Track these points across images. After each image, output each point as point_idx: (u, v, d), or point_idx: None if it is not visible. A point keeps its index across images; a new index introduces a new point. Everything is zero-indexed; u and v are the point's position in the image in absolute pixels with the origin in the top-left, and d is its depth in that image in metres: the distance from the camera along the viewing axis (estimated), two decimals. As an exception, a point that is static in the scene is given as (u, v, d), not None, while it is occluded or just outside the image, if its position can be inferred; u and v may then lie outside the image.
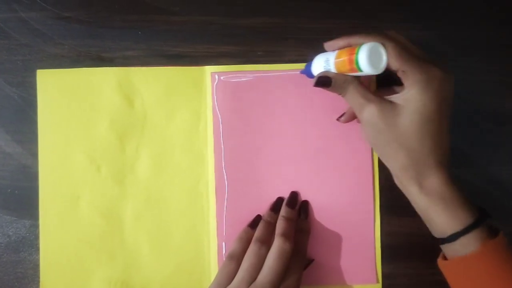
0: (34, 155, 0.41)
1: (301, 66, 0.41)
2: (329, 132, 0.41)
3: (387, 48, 0.32)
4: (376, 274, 0.41)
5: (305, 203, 0.41)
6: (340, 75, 0.34)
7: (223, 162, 0.41)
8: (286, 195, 0.41)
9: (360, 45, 0.32)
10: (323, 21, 0.42)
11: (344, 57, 0.33)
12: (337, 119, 0.40)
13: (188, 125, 0.42)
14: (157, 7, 0.42)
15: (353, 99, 0.34)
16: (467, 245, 0.32)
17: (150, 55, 0.41)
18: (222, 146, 0.41)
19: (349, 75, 0.34)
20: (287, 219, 0.39)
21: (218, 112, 0.41)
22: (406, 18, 0.42)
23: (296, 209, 0.41)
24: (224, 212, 0.41)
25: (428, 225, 0.35)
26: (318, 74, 0.36)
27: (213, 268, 0.41)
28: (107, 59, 0.41)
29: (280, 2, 0.42)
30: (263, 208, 0.41)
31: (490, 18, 0.42)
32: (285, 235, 0.37)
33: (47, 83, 0.41)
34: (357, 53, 0.32)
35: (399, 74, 0.33)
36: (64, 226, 0.41)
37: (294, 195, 0.41)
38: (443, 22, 0.42)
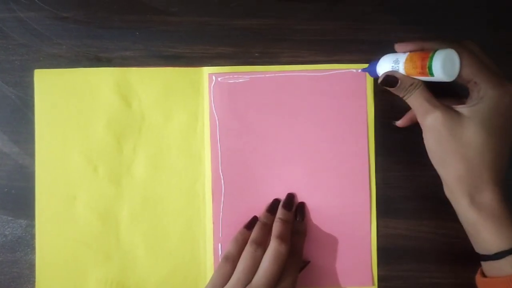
0: (31, 155, 0.42)
1: (297, 67, 0.42)
2: (325, 134, 0.41)
3: (462, 56, 0.32)
4: (372, 276, 0.41)
5: (302, 205, 0.41)
6: (408, 77, 0.34)
7: (219, 163, 0.42)
8: (282, 196, 0.41)
9: (435, 50, 0.32)
10: (319, 23, 0.42)
11: (417, 60, 0.33)
12: (394, 123, 0.41)
13: (185, 126, 0.42)
14: (155, 7, 0.42)
15: (418, 103, 0.34)
16: None
17: (147, 55, 0.42)
18: (219, 147, 0.42)
19: (416, 79, 0.34)
20: (284, 221, 0.39)
21: (215, 113, 0.42)
22: (401, 20, 0.42)
23: (293, 211, 0.41)
24: (221, 213, 0.41)
25: (472, 240, 0.35)
26: (385, 73, 0.36)
27: (209, 269, 0.41)
28: (105, 59, 0.42)
29: (276, 3, 0.42)
30: (259, 209, 0.41)
31: (480, 21, 0.42)
32: (281, 237, 0.37)
33: (45, 83, 0.42)
34: (431, 58, 0.32)
35: (470, 85, 0.33)
36: (60, 226, 0.41)
37: (290, 197, 0.41)
38: (434, 24, 0.42)
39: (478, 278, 0.35)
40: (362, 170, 0.41)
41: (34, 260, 0.41)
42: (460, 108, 0.33)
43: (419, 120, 0.35)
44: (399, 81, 0.35)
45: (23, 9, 0.42)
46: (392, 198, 0.42)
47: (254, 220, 0.40)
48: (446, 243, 0.41)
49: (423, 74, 0.33)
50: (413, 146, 0.41)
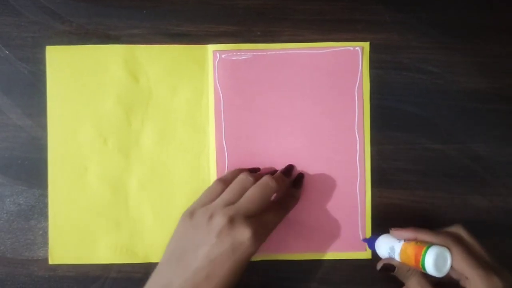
0: (44, 127, 0.44)
1: (297, 45, 0.44)
2: (322, 108, 0.44)
3: (453, 252, 0.35)
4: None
5: (300, 176, 0.44)
6: (404, 266, 0.37)
7: (223, 136, 0.44)
8: (282, 167, 0.44)
9: (427, 246, 0.35)
10: (318, 3, 0.44)
11: (411, 254, 0.36)
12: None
13: (190, 100, 0.45)
14: (161, -13, 0.44)
15: None
16: None
17: (154, 33, 0.44)
18: (223, 121, 0.44)
19: (414, 270, 0.37)
20: (281, 177, 0.40)
21: (219, 88, 0.44)
22: (394, 1, 0.44)
23: (290, 179, 0.43)
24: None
25: None
26: (383, 261, 0.39)
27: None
28: (113, 37, 0.44)
29: (278, -16, 0.44)
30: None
31: (472, 1, 0.45)
32: (273, 177, 0.39)
33: (56, 59, 0.44)
34: (423, 255, 0.35)
35: (462, 279, 0.35)
36: (71, 195, 0.44)
37: (289, 167, 0.44)
38: (427, 4, 0.45)
39: None
40: (352, 142, 0.44)
41: (47, 227, 0.44)
42: None
43: None
44: (396, 268, 0.38)
45: (34, -13, 0.44)
46: (386, 169, 0.45)
47: (257, 168, 0.43)
48: (436, 212, 0.44)
49: (416, 267, 0.36)
50: (407, 121, 0.44)
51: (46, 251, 0.44)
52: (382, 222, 0.44)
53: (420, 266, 0.35)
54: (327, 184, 0.44)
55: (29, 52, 0.44)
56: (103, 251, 0.44)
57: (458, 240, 0.36)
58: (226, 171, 0.44)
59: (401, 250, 0.37)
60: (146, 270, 0.44)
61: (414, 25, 0.44)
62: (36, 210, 0.44)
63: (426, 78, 0.44)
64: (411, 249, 0.36)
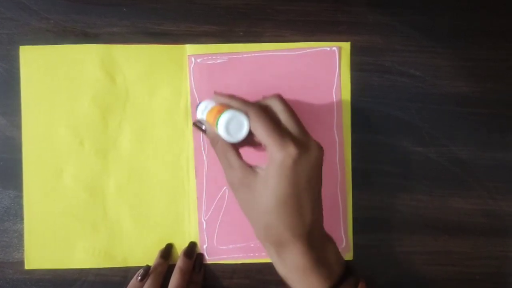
0: (18, 127, 0.44)
1: (279, 46, 0.45)
2: (300, 110, 0.44)
3: (252, 119, 0.33)
4: (348, 244, 0.45)
5: (200, 256, 0.45)
6: (212, 131, 0.36)
7: (201, 141, 0.45)
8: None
9: (227, 109, 0.34)
10: (300, 4, 0.45)
11: (212, 114, 0.36)
12: None
13: (169, 101, 0.45)
14: (141, -15, 0.44)
15: (219, 157, 0.36)
16: None
17: (134, 32, 0.44)
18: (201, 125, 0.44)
19: (219, 134, 0.35)
20: (183, 272, 0.43)
21: (195, 92, 0.45)
22: (378, 3, 0.45)
23: (193, 259, 0.44)
24: (204, 188, 0.45)
25: None
26: (196, 120, 0.39)
27: (193, 240, 0.45)
28: (92, 35, 0.44)
29: (261, -16, 0.45)
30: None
31: (454, 5, 0.46)
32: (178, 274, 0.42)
33: (30, 59, 0.44)
34: (219, 117, 0.34)
35: (264, 148, 0.34)
36: (47, 197, 0.44)
37: (192, 246, 0.45)
38: (410, 7, 0.46)
39: None
40: (332, 145, 0.45)
41: (22, 229, 0.44)
42: (259, 169, 0.34)
43: None
44: (206, 131, 0.38)
45: (10, -17, 0.44)
46: (367, 171, 0.46)
47: (146, 270, 0.43)
48: (416, 214, 0.46)
49: (214, 126, 0.35)
50: (389, 124, 0.45)
51: (22, 253, 0.44)
52: (364, 224, 0.45)
53: (215, 126, 0.35)
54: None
55: (4, 50, 0.44)
56: (81, 255, 0.44)
57: (261, 109, 0.34)
58: (205, 177, 0.45)
59: (209, 110, 0.37)
60: (124, 273, 0.44)
61: (397, 28, 0.45)
62: (11, 212, 0.44)
63: (408, 81, 0.45)
64: (216, 109, 0.36)
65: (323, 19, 0.45)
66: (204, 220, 0.45)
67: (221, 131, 0.34)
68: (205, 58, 0.45)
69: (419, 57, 0.45)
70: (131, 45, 0.44)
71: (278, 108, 0.35)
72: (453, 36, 0.46)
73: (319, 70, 0.45)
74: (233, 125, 0.34)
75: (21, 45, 0.44)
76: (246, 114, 0.34)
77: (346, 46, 0.45)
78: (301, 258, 0.34)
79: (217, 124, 0.34)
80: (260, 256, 0.45)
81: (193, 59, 0.45)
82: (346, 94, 0.45)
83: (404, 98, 0.45)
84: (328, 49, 0.45)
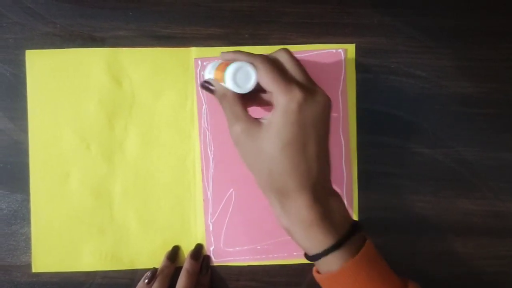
0: (25, 131, 0.44)
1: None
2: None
3: (259, 69, 0.34)
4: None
5: (207, 258, 0.45)
6: (220, 87, 0.37)
7: (208, 143, 0.45)
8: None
9: (233, 62, 0.35)
10: (306, 6, 0.45)
11: (220, 70, 0.36)
12: None
13: (175, 104, 0.45)
14: (147, -12, 0.45)
15: (226, 113, 0.36)
16: (330, 264, 0.34)
17: (140, 35, 0.45)
18: (207, 127, 0.45)
19: (228, 90, 0.36)
20: (190, 274, 0.43)
21: (201, 95, 0.45)
22: (384, 4, 0.46)
23: (200, 262, 0.45)
24: (211, 191, 0.45)
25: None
26: (204, 80, 0.39)
27: (200, 242, 0.45)
28: (99, 39, 0.44)
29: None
30: (245, 186, 0.45)
31: (459, 6, 0.46)
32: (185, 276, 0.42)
33: (36, 63, 0.44)
34: (225, 71, 0.35)
35: (270, 96, 0.35)
36: (54, 201, 0.45)
37: (199, 248, 0.45)
38: (415, 9, 0.46)
39: (314, 274, 0.36)
40: (338, 145, 0.45)
41: (30, 233, 0.44)
42: (263, 119, 0.35)
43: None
44: (214, 90, 0.37)
45: (16, -12, 0.44)
46: (373, 173, 0.46)
47: (153, 273, 0.43)
48: (422, 215, 0.46)
49: (222, 81, 0.36)
50: (395, 126, 0.46)
51: (29, 257, 0.44)
52: (370, 225, 0.45)
53: (223, 80, 0.35)
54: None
55: (11, 54, 0.44)
56: (88, 258, 0.45)
57: (269, 60, 0.34)
58: (211, 180, 0.45)
59: (217, 66, 0.37)
60: (131, 275, 0.45)
61: (402, 29, 0.45)
62: (19, 215, 0.44)
63: (414, 82, 0.46)
64: (223, 64, 0.36)
65: (328, 21, 0.45)
66: (211, 222, 0.45)
67: (228, 82, 0.34)
68: (211, 61, 0.45)
69: (424, 58, 0.46)
70: (137, 48, 0.45)
71: (284, 59, 0.35)
72: (459, 37, 0.46)
73: (325, 72, 0.45)
74: (241, 76, 0.34)
75: (27, 49, 0.44)
76: (253, 65, 0.34)
77: (351, 48, 0.45)
78: (305, 211, 0.33)
79: (224, 77, 0.34)
80: (267, 258, 0.45)
81: (199, 62, 0.45)
82: (351, 95, 0.45)
83: (409, 99, 0.46)
84: (334, 51, 0.45)
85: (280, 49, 0.36)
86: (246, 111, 0.35)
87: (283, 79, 0.33)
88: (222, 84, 0.36)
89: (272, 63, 0.34)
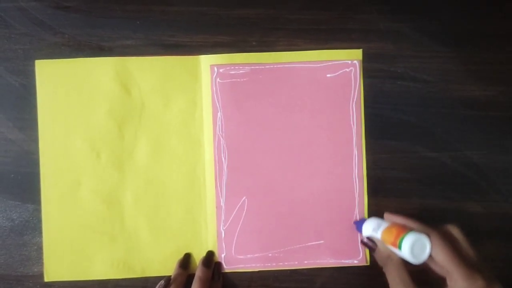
0: (36, 141, 0.45)
1: (292, 55, 0.46)
2: (319, 121, 0.46)
3: (433, 243, 0.36)
4: (365, 253, 0.46)
5: (218, 265, 0.46)
6: (384, 249, 0.39)
7: (222, 150, 0.45)
8: (280, 181, 0.45)
9: (410, 230, 0.36)
10: (312, 12, 0.46)
11: (393, 232, 0.37)
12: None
13: (184, 112, 0.46)
14: (154, -3, 0.45)
15: (392, 277, 0.38)
16: None
17: (148, 44, 0.45)
18: (222, 135, 0.45)
19: (392, 252, 0.38)
20: (203, 281, 0.43)
21: (217, 102, 0.45)
22: (390, 10, 0.46)
23: (211, 268, 0.45)
24: (224, 197, 0.45)
25: None
26: (367, 237, 0.41)
27: (211, 249, 0.45)
28: (107, 48, 0.45)
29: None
30: (259, 193, 0.45)
31: (464, 10, 0.47)
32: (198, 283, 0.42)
33: (46, 73, 0.45)
34: (403, 236, 0.36)
35: (443, 272, 0.36)
36: (65, 210, 0.45)
37: (210, 255, 0.45)
38: (421, 13, 0.46)
39: None
40: (350, 155, 0.46)
41: (41, 242, 0.45)
42: None
43: None
44: (376, 250, 0.39)
45: (24, -1, 0.44)
46: (382, 178, 0.46)
47: (167, 281, 0.43)
48: (431, 219, 0.46)
49: (394, 246, 0.37)
50: (403, 130, 0.46)
51: (41, 266, 0.45)
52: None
53: (398, 246, 0.36)
54: (325, 196, 0.46)
55: (20, 65, 0.45)
56: (99, 267, 0.45)
57: (443, 234, 0.36)
58: (224, 187, 0.45)
59: (386, 228, 0.39)
60: (143, 283, 0.45)
61: (408, 34, 0.46)
62: (30, 225, 0.45)
63: (421, 86, 0.46)
64: (395, 229, 0.38)
65: (335, 27, 0.46)
66: (223, 229, 0.45)
67: (405, 251, 0.36)
68: (228, 68, 0.45)
69: (430, 63, 0.46)
70: (145, 57, 0.45)
71: (459, 237, 0.37)
72: (465, 40, 0.46)
73: (339, 82, 0.46)
74: (417, 247, 0.36)
75: (36, 59, 0.44)
76: (428, 236, 0.36)
77: (357, 53, 0.46)
78: None
79: (400, 244, 0.36)
80: (278, 266, 0.46)
81: (215, 69, 0.45)
82: (361, 102, 0.46)
83: (416, 104, 0.46)
84: (349, 62, 0.46)
85: (451, 225, 0.38)
86: (412, 280, 0.37)
87: (463, 261, 0.35)
88: (390, 247, 0.37)
89: (447, 239, 0.36)
